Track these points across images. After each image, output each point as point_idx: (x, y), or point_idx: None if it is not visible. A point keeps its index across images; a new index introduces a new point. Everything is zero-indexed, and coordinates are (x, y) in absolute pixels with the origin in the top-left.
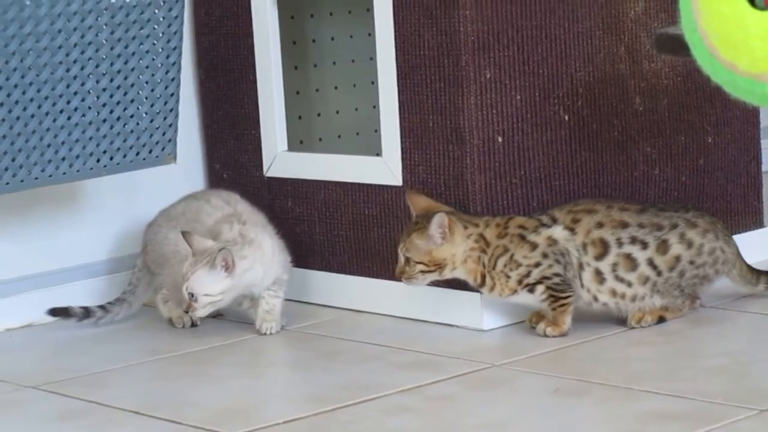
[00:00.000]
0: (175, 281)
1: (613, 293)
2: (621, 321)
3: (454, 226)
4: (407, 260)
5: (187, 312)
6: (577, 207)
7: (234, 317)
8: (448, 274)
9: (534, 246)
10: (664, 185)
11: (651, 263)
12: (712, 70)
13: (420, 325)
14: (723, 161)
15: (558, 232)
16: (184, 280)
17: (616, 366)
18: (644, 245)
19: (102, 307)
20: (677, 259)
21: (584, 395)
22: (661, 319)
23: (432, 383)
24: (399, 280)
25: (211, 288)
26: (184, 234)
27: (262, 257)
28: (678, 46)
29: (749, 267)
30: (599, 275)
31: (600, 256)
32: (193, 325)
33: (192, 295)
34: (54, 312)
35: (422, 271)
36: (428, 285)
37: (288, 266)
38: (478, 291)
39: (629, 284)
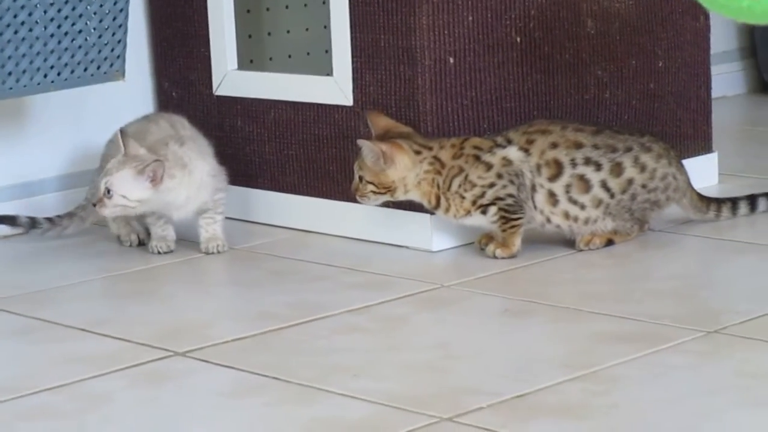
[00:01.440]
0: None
1: (566, 216)
2: (570, 243)
3: (395, 153)
4: (360, 178)
5: (95, 206)
6: (532, 128)
7: (182, 236)
8: (401, 197)
9: (489, 166)
10: (615, 109)
11: (604, 185)
12: None
13: (369, 245)
14: (673, 86)
15: (513, 152)
16: (104, 174)
17: (565, 287)
18: (598, 166)
19: (49, 219)
20: (630, 182)
21: (533, 316)
22: (609, 242)
23: (381, 303)
24: (355, 196)
25: (130, 192)
26: (122, 133)
27: (189, 183)
28: None
29: (699, 195)
30: (552, 197)
31: (554, 177)
32: (141, 243)
33: (108, 191)
34: (1, 219)
35: (373, 192)
36: (379, 206)
37: (222, 186)
38: (431, 213)
39: (582, 207)
